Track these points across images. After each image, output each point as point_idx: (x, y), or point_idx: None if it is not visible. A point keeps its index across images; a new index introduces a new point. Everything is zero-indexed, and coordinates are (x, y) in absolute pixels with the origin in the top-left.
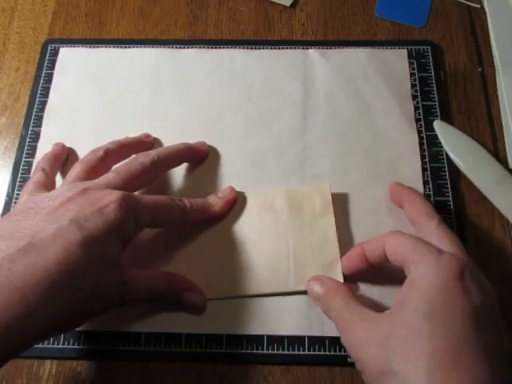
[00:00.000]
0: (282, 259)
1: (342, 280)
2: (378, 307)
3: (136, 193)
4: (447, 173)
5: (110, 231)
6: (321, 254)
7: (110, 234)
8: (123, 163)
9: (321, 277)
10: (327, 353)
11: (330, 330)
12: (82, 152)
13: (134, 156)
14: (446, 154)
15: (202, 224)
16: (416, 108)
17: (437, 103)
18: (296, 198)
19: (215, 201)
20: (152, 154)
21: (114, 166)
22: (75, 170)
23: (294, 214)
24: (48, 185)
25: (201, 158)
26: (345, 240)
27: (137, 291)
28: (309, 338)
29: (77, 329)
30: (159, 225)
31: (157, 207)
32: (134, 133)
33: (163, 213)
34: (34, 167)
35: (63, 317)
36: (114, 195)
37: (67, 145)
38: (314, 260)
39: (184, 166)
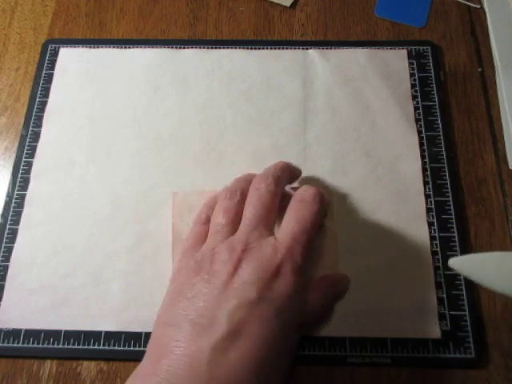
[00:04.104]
0: None
1: None
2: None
3: None
4: (447, 173)
5: (295, 293)
6: (320, 255)
7: (295, 295)
8: (251, 198)
9: None
10: (327, 353)
11: (330, 330)
12: (82, 152)
13: (254, 186)
14: (446, 154)
15: None
16: (416, 108)
17: (437, 103)
18: None
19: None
20: (268, 174)
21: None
22: (217, 220)
23: None
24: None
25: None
26: (345, 241)
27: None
28: (309, 338)
29: (76, 329)
30: None
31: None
32: (133, 133)
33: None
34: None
35: None
36: (280, 254)
37: (67, 145)
38: (314, 262)
39: (184, 167)
